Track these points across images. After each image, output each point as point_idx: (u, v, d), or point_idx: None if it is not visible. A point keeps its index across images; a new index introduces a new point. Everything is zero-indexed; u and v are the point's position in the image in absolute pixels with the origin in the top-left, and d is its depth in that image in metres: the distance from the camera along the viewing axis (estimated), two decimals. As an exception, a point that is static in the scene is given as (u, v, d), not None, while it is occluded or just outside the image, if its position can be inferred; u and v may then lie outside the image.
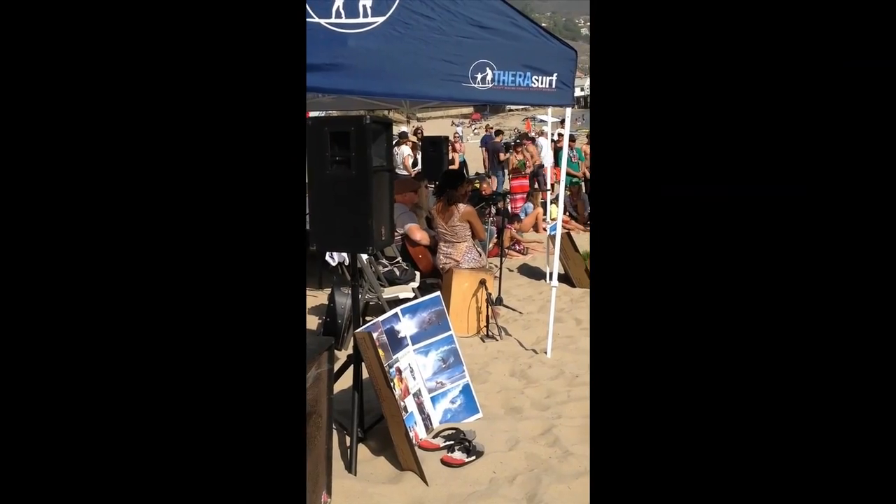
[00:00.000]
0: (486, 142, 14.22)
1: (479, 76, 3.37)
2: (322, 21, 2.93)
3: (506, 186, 9.05)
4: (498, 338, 4.41)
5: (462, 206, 4.81)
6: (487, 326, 4.50)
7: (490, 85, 3.39)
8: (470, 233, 4.85)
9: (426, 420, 3.01)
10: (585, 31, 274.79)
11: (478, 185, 8.71)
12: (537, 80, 3.50)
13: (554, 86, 3.55)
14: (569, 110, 3.92)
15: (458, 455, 2.71)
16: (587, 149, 9.39)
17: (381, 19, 3.15)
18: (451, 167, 9.67)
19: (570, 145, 9.14)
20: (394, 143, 10.36)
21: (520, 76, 3.46)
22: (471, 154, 16.13)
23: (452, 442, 2.81)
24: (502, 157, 11.42)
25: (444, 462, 2.68)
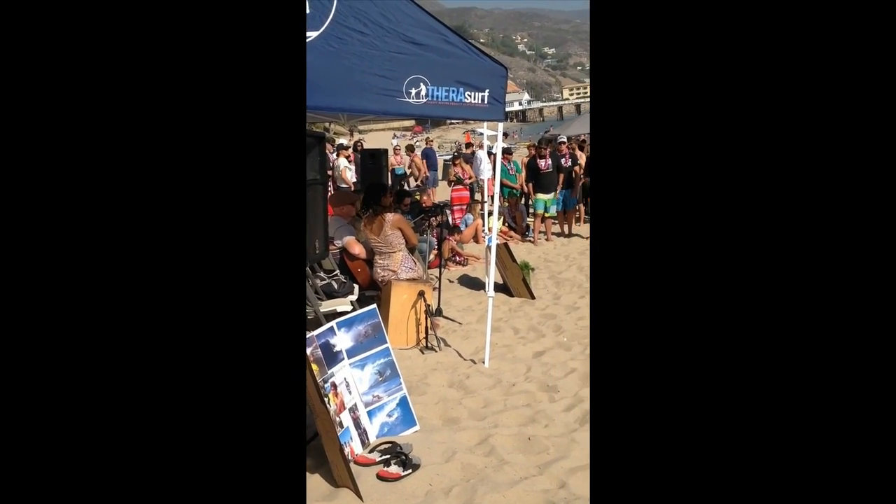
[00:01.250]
0: (427, 154, 14.34)
1: (414, 91, 3.42)
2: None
3: (446, 197, 9.14)
4: (437, 349, 4.44)
5: (390, 216, 4.83)
6: (426, 338, 4.52)
7: (424, 100, 3.45)
8: (403, 241, 4.87)
9: (362, 435, 2.99)
10: (522, 47, 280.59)
11: (418, 197, 8.75)
12: (470, 96, 3.58)
13: (486, 101, 3.63)
14: (500, 125, 4.01)
15: (394, 469, 2.71)
16: (526, 160, 9.59)
17: (314, 34, 3.15)
18: (397, 181, 9.69)
19: (507, 158, 9.36)
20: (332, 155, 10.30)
21: (453, 92, 3.53)
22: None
23: (388, 456, 2.81)
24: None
25: (379, 477, 2.68)
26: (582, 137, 12.65)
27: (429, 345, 4.48)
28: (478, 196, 9.97)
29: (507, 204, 9.38)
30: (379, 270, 4.89)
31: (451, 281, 6.64)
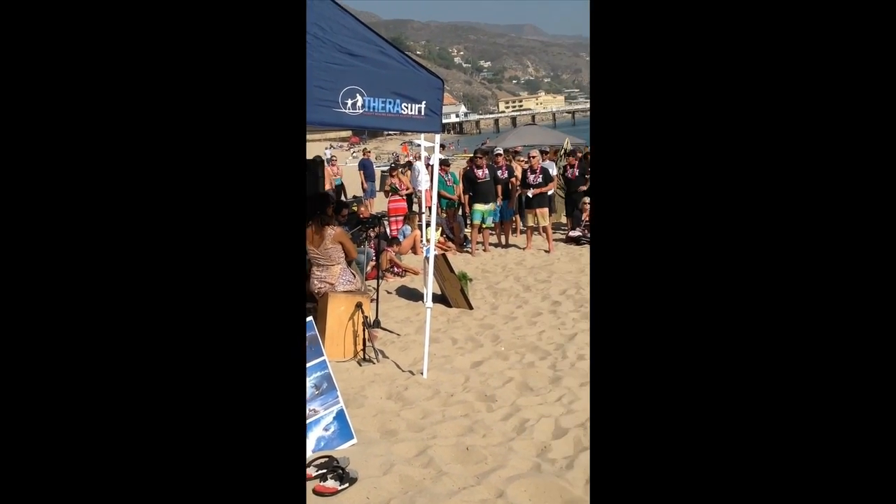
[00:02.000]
0: (364, 165, 14.28)
1: (350, 102, 3.40)
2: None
3: (383, 208, 9.12)
4: (375, 361, 4.40)
5: (331, 229, 4.78)
6: (364, 350, 4.48)
7: (361, 111, 3.44)
8: (343, 255, 4.82)
9: (299, 450, 2.93)
10: (458, 59, 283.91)
11: (355, 208, 8.69)
12: (406, 108, 3.59)
13: (423, 113, 3.65)
14: (438, 136, 4.04)
15: (330, 483, 2.67)
16: (463, 172, 9.69)
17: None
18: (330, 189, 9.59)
19: (445, 169, 9.43)
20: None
21: (389, 103, 3.54)
22: (348, 177, 16.08)
23: (325, 470, 2.76)
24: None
25: (316, 492, 2.62)
26: (518, 149, 12.88)
27: (366, 357, 4.44)
28: (416, 207, 9.99)
29: (444, 215, 9.43)
30: (315, 282, 4.81)
31: (389, 292, 6.61)
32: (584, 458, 2.85)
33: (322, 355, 3.17)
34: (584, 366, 4.15)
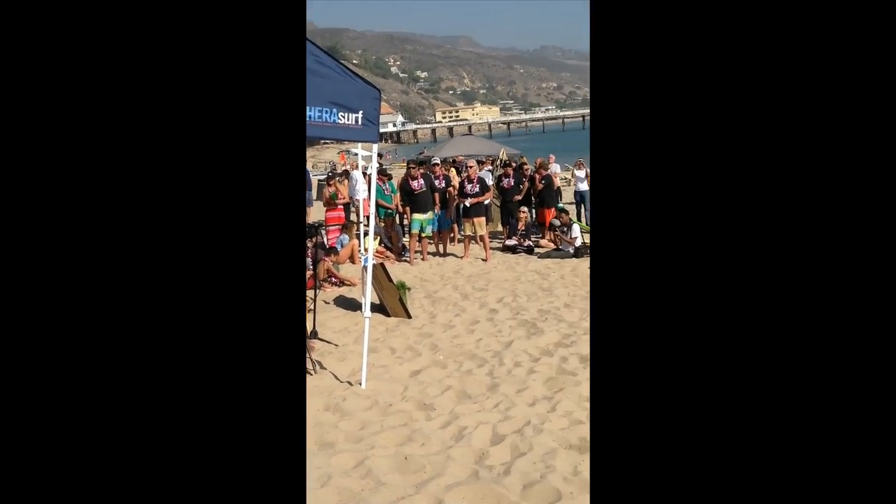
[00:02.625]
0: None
1: (285, 110, 3.36)
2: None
3: (320, 218, 9.00)
4: (312, 372, 4.33)
5: None
6: (301, 362, 4.40)
7: (296, 119, 3.40)
8: None
9: (233, 466, 2.85)
10: (395, 69, 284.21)
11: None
12: (343, 117, 3.58)
13: (360, 122, 3.65)
14: (375, 146, 4.05)
15: (267, 499, 2.61)
16: (400, 181, 9.70)
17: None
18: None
19: (383, 178, 9.41)
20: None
21: (326, 112, 3.52)
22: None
23: (262, 486, 2.69)
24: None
25: (252, 508, 2.56)
26: (460, 159, 13.01)
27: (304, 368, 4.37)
28: (353, 216, 9.92)
29: (383, 224, 9.41)
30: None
31: (326, 302, 6.53)
32: (521, 464, 2.90)
33: (257, 368, 3.10)
34: (521, 372, 4.23)
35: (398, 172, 13.91)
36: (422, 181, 8.89)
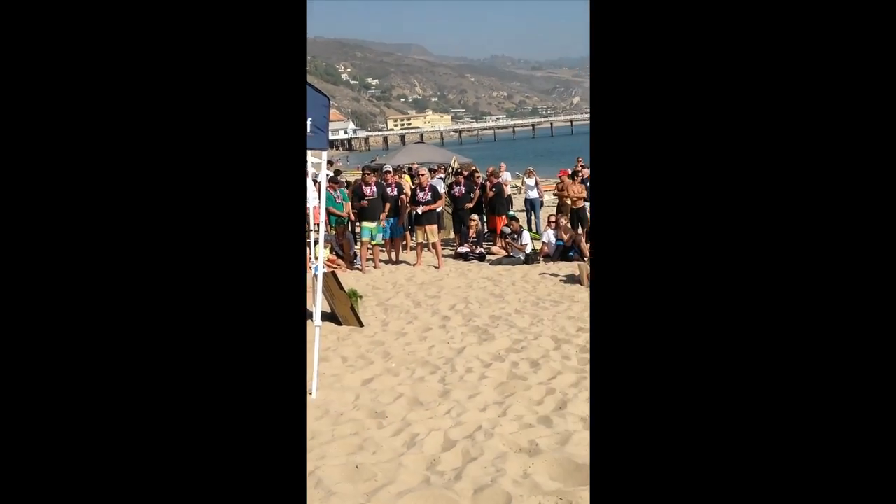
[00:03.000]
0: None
1: (231, 116, 3.31)
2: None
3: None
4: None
5: None
6: (249, 373, 4.31)
7: (243, 126, 3.35)
8: None
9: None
10: (346, 76, 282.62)
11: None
12: (292, 124, 3.55)
13: (309, 130, 3.63)
14: (324, 153, 4.03)
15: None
16: (351, 189, 9.64)
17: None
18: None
19: (334, 186, 9.33)
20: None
21: (274, 119, 3.48)
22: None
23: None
24: None
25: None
26: (415, 166, 13.02)
27: (252, 379, 4.28)
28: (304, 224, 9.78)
29: (334, 232, 9.33)
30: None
31: (276, 312, 6.42)
32: (472, 469, 2.92)
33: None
34: (473, 378, 4.26)
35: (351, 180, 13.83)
36: (374, 188, 8.86)
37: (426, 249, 9.28)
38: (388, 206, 9.09)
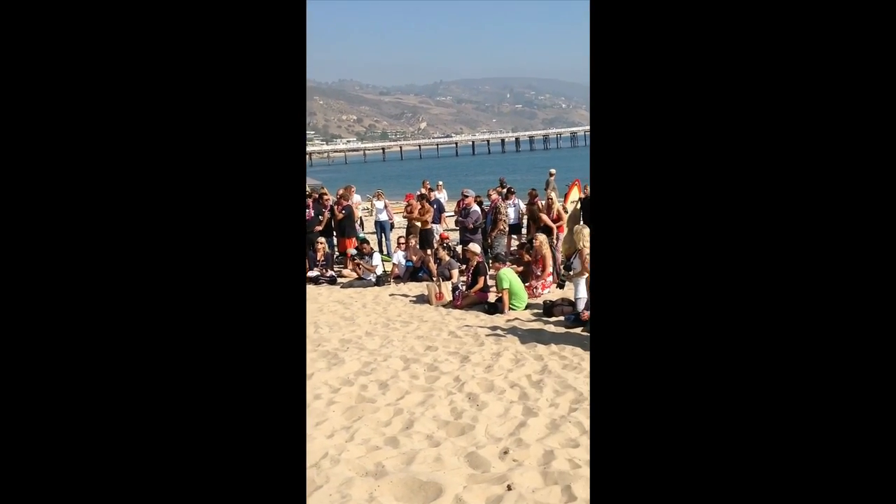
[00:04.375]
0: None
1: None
2: None
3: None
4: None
5: None
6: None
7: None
8: None
9: None
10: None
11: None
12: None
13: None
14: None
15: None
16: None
17: None
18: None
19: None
20: None
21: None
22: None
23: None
24: None
25: None
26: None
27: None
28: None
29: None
30: None
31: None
32: (318, 497, 2.85)
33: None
34: (320, 405, 4.16)
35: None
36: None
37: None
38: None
